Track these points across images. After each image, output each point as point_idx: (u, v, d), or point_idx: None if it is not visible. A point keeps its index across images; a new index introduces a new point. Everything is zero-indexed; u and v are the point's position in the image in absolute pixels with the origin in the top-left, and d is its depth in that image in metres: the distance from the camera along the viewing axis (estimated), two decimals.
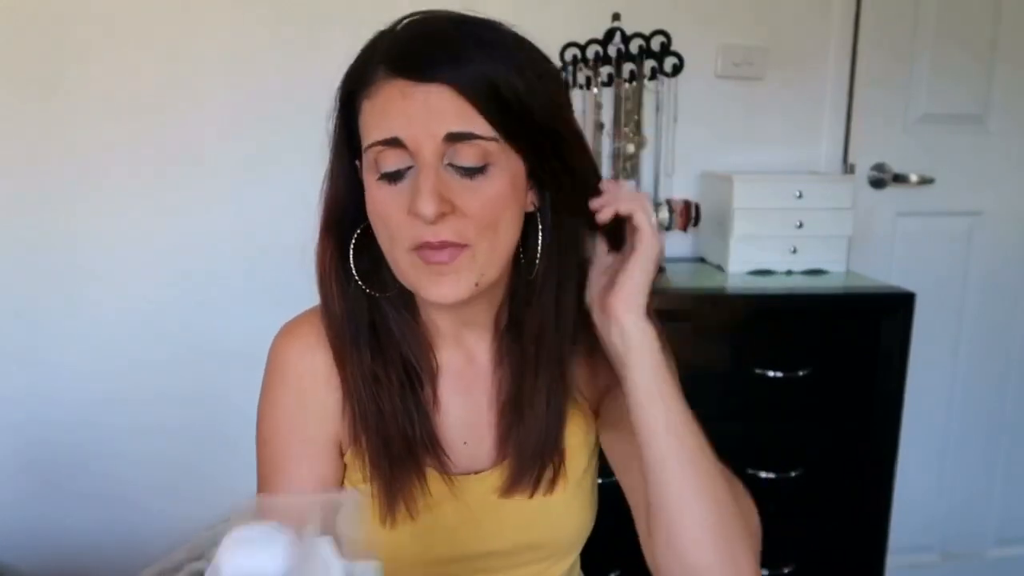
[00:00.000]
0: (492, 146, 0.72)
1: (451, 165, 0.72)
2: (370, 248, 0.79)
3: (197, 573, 1.69)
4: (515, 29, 0.78)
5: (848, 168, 2.00)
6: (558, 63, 1.82)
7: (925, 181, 2.02)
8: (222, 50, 1.73)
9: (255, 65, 1.73)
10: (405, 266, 0.75)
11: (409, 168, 0.72)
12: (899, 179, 2.03)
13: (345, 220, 0.80)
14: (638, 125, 1.87)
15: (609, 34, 1.82)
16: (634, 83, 1.85)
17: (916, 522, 2.13)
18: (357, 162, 0.78)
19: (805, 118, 1.98)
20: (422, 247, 0.72)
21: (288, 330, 0.86)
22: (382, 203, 0.74)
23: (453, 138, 0.71)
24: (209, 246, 1.77)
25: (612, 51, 1.83)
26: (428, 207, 0.70)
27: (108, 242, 1.74)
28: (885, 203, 2.04)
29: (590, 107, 1.86)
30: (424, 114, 0.70)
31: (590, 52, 1.82)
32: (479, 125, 0.71)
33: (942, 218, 2.08)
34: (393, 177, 0.73)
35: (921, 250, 2.08)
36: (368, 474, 0.82)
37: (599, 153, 1.87)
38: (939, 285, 2.07)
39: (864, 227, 1.95)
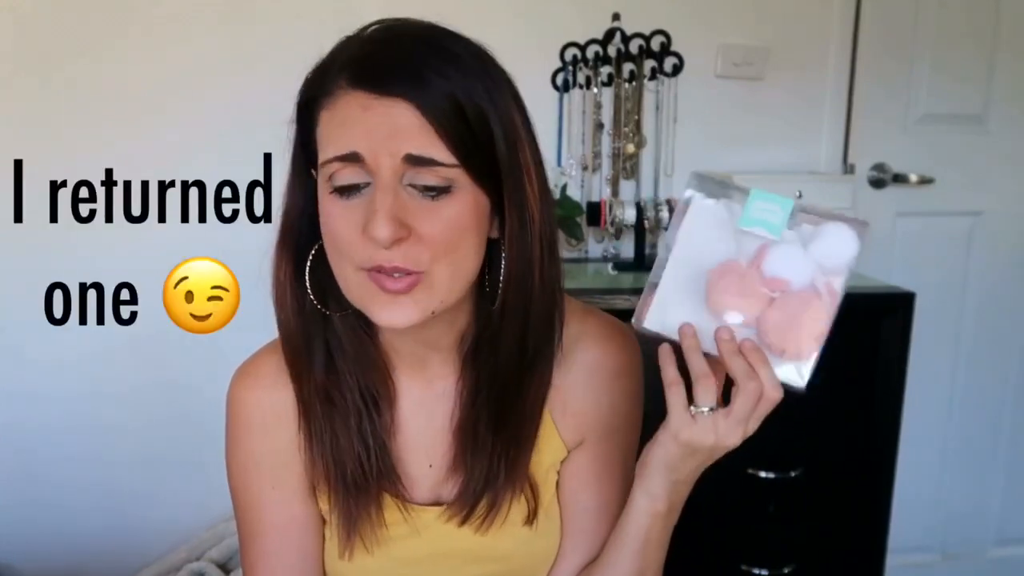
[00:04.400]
0: (452, 172, 0.68)
1: (411, 185, 0.68)
2: (327, 265, 0.76)
3: (197, 573, 1.69)
4: (480, 44, 0.73)
5: (848, 168, 2.00)
6: (558, 63, 1.82)
7: (925, 181, 2.02)
8: (220, 50, 1.73)
9: (253, 67, 1.73)
10: (353, 286, 0.71)
11: (367, 184, 0.68)
12: (899, 179, 2.02)
13: (301, 234, 0.77)
14: (638, 125, 1.87)
15: (609, 34, 1.82)
16: (634, 83, 1.85)
17: (916, 522, 2.13)
18: (313, 171, 0.74)
19: (805, 118, 1.98)
20: (374, 270, 0.69)
21: (244, 373, 0.84)
22: (335, 218, 0.69)
23: (411, 160, 0.67)
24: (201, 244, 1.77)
25: (612, 51, 1.83)
26: (383, 231, 0.66)
27: (98, 240, 1.73)
28: (885, 203, 2.04)
29: (590, 107, 1.86)
30: (384, 130, 0.66)
31: (590, 52, 1.82)
32: (440, 151, 0.67)
33: (942, 218, 2.08)
34: (347, 191, 0.69)
35: (921, 250, 2.08)
36: (328, 505, 0.82)
37: (599, 153, 1.88)
38: (939, 285, 2.07)
39: None
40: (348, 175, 0.68)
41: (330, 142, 0.69)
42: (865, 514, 1.72)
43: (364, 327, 0.80)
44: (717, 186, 0.74)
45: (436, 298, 0.70)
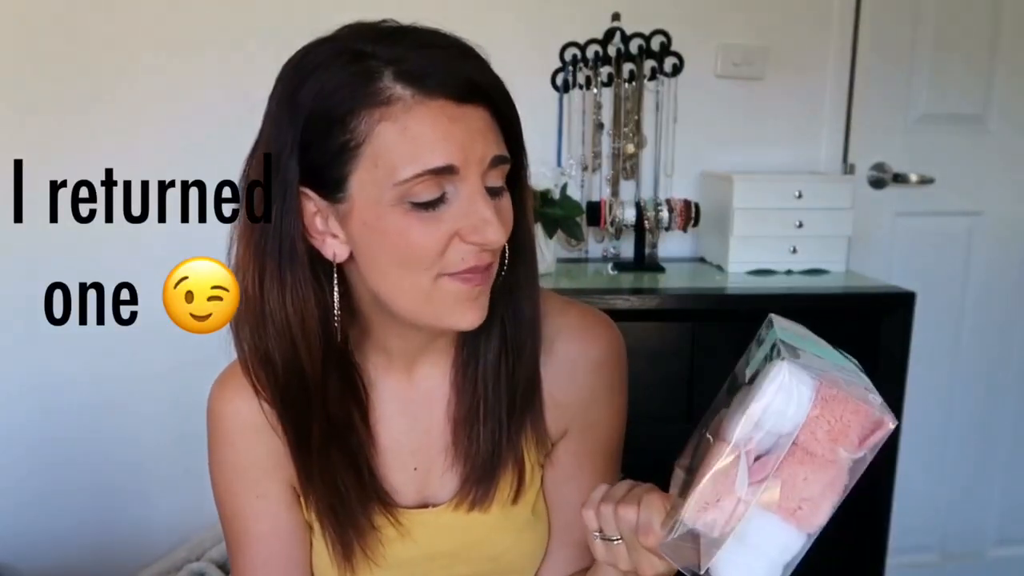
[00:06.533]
0: (507, 168, 0.71)
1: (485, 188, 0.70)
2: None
3: (197, 573, 1.69)
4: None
5: (848, 168, 2.00)
6: (558, 63, 1.82)
7: (925, 181, 2.02)
8: (220, 50, 1.73)
9: (253, 66, 1.73)
10: (429, 296, 0.70)
11: (443, 195, 0.67)
12: (899, 179, 2.02)
13: (310, 256, 0.72)
14: (638, 125, 1.87)
15: (609, 34, 1.82)
16: (634, 83, 1.85)
17: (916, 522, 2.13)
18: (307, 190, 0.70)
19: (805, 118, 1.98)
20: (468, 271, 0.69)
21: (222, 383, 0.83)
22: (415, 232, 0.67)
23: (496, 161, 0.69)
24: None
25: (612, 51, 1.83)
26: (501, 236, 0.68)
27: (98, 240, 1.74)
28: (885, 203, 2.04)
29: (590, 107, 1.86)
30: (471, 137, 0.67)
31: (590, 52, 1.82)
32: (505, 148, 0.70)
33: (942, 218, 2.08)
34: (431, 206, 0.67)
35: (921, 250, 2.08)
36: (320, 525, 0.82)
37: (599, 153, 1.88)
38: (939, 285, 2.07)
39: (864, 227, 1.95)
40: (430, 189, 0.67)
41: (412, 158, 0.66)
42: (865, 514, 1.72)
43: (349, 345, 0.79)
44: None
45: (490, 289, 0.73)
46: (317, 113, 0.67)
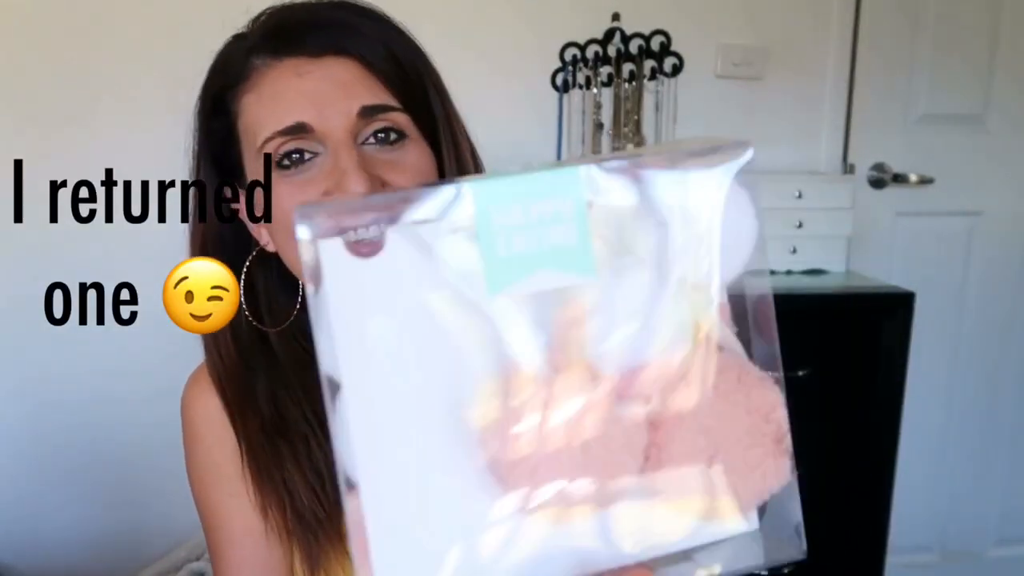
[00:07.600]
0: (403, 118, 0.67)
1: (366, 142, 0.66)
2: (259, 277, 0.74)
3: (197, 573, 1.68)
4: None
5: (848, 168, 2.00)
6: (558, 63, 1.82)
7: (925, 181, 2.02)
8: None
9: None
10: None
11: (314, 155, 0.65)
12: (899, 179, 2.02)
13: (226, 251, 0.73)
14: (638, 125, 1.87)
15: (609, 34, 1.82)
16: (634, 83, 1.85)
17: (916, 522, 2.13)
18: (228, 188, 0.71)
19: (805, 118, 1.98)
20: (359, 242, 0.65)
21: (195, 381, 0.81)
22: (286, 198, 0.65)
23: (367, 112, 0.64)
24: None
25: (612, 51, 1.83)
26: (359, 185, 0.61)
27: (98, 240, 1.74)
28: (885, 203, 2.04)
29: (590, 107, 1.85)
30: (330, 91, 0.64)
31: (590, 52, 1.82)
32: (389, 98, 0.66)
33: (942, 218, 2.08)
34: (294, 165, 0.65)
35: (921, 250, 2.08)
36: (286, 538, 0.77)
37: (599, 153, 1.87)
38: (939, 285, 2.07)
39: (864, 227, 1.95)
40: (290, 149, 0.65)
41: (266, 121, 0.65)
42: (865, 514, 1.72)
43: (304, 340, 0.76)
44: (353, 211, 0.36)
45: None
46: (210, 104, 0.70)
